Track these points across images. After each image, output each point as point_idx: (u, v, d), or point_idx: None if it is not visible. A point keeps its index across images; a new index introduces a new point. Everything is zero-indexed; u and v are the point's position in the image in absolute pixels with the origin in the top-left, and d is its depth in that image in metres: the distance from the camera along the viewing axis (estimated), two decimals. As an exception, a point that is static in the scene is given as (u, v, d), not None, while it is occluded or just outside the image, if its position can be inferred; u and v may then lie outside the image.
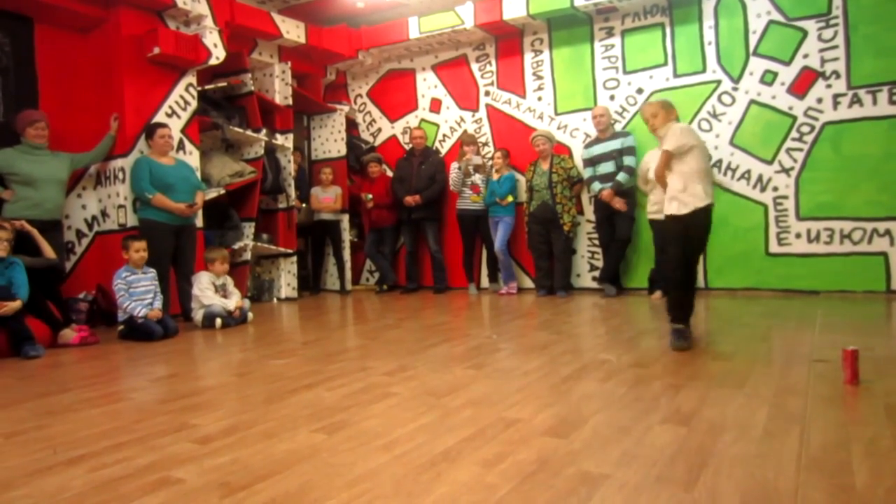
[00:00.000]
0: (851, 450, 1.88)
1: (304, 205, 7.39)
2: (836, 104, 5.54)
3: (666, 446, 1.97)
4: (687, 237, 3.55)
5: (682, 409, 2.35)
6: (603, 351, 3.53)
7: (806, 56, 5.64)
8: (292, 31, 6.90)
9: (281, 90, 7.01)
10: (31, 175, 4.88)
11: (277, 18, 6.76)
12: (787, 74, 5.72)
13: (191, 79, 5.92)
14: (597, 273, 6.54)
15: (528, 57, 6.99)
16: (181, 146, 5.78)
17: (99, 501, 1.72)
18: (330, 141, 7.85)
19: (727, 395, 2.51)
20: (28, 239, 4.65)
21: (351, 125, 8.05)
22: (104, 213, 5.60)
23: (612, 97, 6.53)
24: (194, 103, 5.95)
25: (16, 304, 4.14)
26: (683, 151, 3.55)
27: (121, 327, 4.75)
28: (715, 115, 6.03)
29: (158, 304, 4.83)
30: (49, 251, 4.70)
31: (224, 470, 1.92)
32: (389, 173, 7.66)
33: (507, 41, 7.10)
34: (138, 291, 4.78)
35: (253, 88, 6.66)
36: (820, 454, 1.86)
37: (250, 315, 5.37)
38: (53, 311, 4.57)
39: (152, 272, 4.94)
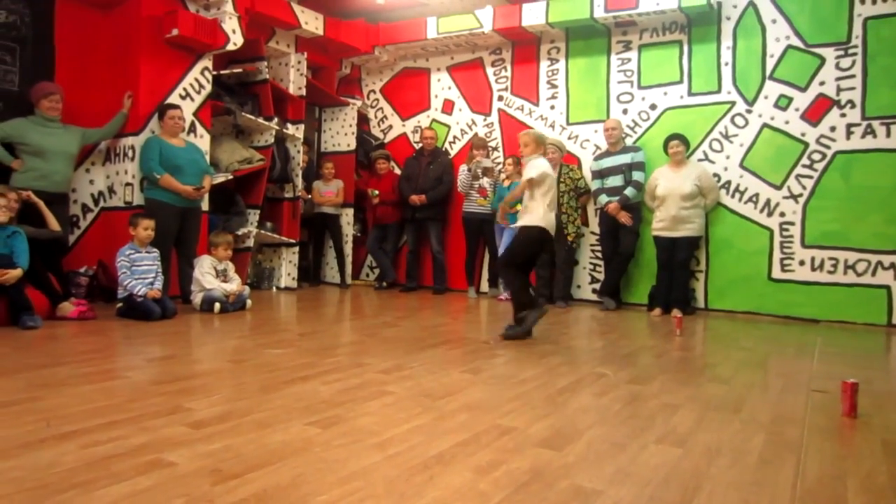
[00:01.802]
0: (847, 484, 1.87)
1: (309, 196, 7.39)
2: (849, 133, 5.54)
3: (660, 466, 1.96)
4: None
5: (677, 430, 2.34)
6: (600, 365, 3.52)
7: (822, 83, 5.64)
8: (311, 22, 6.90)
9: (295, 80, 7.02)
10: (41, 147, 4.88)
11: (297, 9, 6.76)
12: (802, 100, 5.72)
13: (207, 63, 5.92)
14: (597, 286, 6.54)
15: (544, 65, 6.99)
16: (192, 129, 5.78)
17: (90, 479, 1.72)
18: (340, 134, 7.85)
19: (723, 419, 2.50)
20: (34, 210, 4.65)
21: (362, 120, 8.05)
22: (111, 190, 5.60)
23: (625, 111, 6.53)
24: (208, 87, 5.95)
25: (16, 273, 4.13)
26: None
27: (119, 304, 4.75)
28: (727, 136, 6.03)
29: (159, 284, 4.83)
30: (53, 223, 4.70)
31: (217, 456, 1.92)
32: (397, 171, 7.66)
33: (523, 47, 7.10)
34: (140, 270, 4.77)
35: (268, 76, 6.66)
36: (815, 486, 1.85)
37: (249, 302, 5.36)
38: (54, 284, 4.56)
39: (155, 252, 4.94)
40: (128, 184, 5.47)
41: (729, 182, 6.01)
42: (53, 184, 4.95)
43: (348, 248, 7.65)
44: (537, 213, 4.34)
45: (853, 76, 5.52)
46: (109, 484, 1.69)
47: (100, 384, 2.76)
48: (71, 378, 2.85)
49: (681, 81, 6.26)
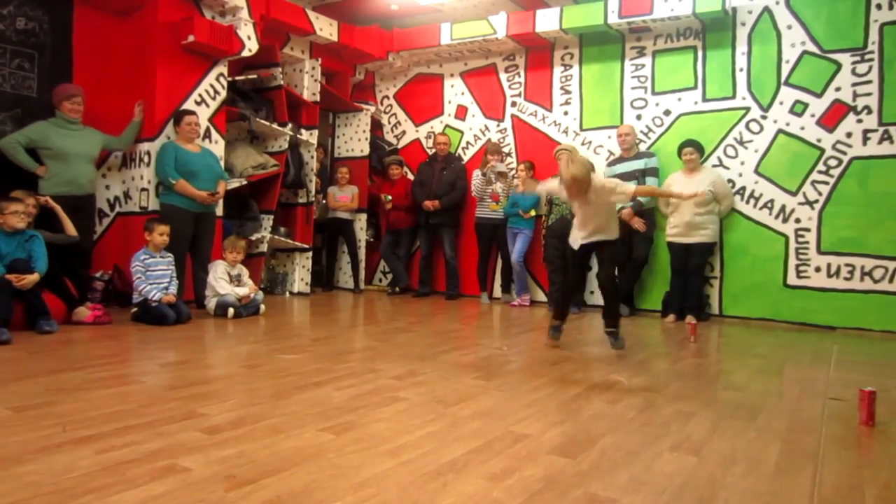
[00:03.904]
0: (865, 493, 1.85)
1: (323, 200, 7.42)
2: (865, 140, 5.48)
3: (675, 475, 1.95)
4: None
5: (692, 438, 2.32)
6: (613, 371, 3.51)
7: (838, 89, 5.59)
8: (325, 28, 6.94)
9: (309, 86, 7.05)
10: (63, 149, 4.94)
11: (312, 15, 6.80)
12: (818, 106, 5.67)
13: (222, 69, 5.97)
14: (611, 291, 6.50)
15: (558, 71, 6.98)
16: (207, 134, 5.83)
17: (106, 484, 1.73)
18: (354, 140, 7.88)
19: (739, 427, 2.48)
20: (52, 214, 4.71)
21: (375, 125, 8.07)
22: (127, 195, 5.65)
23: (638, 117, 6.50)
24: (224, 93, 6.00)
25: (33, 277, 4.16)
26: None
27: (134, 309, 4.79)
28: (741, 142, 5.99)
29: (173, 289, 4.86)
30: (71, 229, 4.74)
31: (231, 462, 1.93)
32: (410, 176, 7.67)
33: (537, 53, 7.10)
34: (155, 275, 4.81)
35: (282, 82, 6.70)
36: (833, 496, 1.83)
37: (262, 307, 5.38)
38: (70, 288, 4.60)
39: (170, 257, 4.98)
40: (143, 189, 5.52)
41: (744, 188, 5.96)
42: (79, 187, 5.02)
43: (362, 254, 7.67)
44: None
45: (870, 82, 5.47)
46: (124, 489, 1.70)
47: (115, 389, 2.78)
48: (86, 383, 2.87)
49: (695, 87, 6.23)
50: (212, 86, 5.89)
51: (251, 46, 5.94)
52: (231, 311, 5.06)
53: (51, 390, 2.71)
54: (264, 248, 6.59)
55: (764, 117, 5.90)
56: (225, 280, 5.20)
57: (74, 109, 5.06)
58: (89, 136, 5.16)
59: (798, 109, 5.76)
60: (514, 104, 7.27)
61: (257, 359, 3.59)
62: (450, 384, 3.06)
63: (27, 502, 1.61)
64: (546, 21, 6.56)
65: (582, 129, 6.82)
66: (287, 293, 7.01)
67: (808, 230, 5.70)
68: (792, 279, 5.75)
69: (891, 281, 5.34)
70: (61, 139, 4.95)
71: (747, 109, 5.98)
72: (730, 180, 5.99)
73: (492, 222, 6.93)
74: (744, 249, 5.95)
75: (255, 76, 6.61)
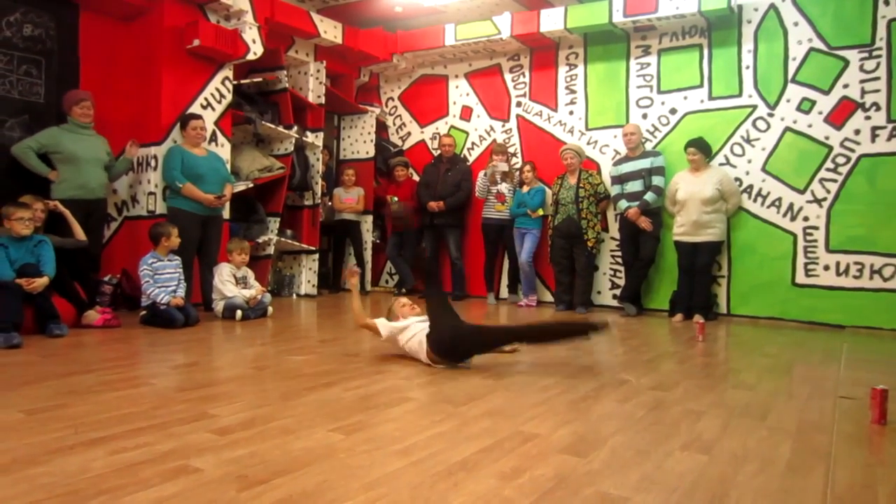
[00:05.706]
0: (878, 492, 1.84)
1: (329, 202, 7.44)
2: (874, 137, 5.46)
3: (686, 473, 1.94)
4: None
5: (702, 437, 2.31)
6: (622, 371, 3.50)
7: (846, 86, 5.57)
8: (330, 31, 6.96)
9: (314, 89, 7.07)
10: (75, 153, 4.98)
11: (316, 18, 6.82)
12: (826, 103, 5.65)
13: (227, 72, 5.99)
14: (618, 291, 6.50)
15: (563, 70, 6.98)
16: (213, 138, 5.85)
17: (119, 485, 1.73)
18: (359, 142, 7.89)
19: (749, 426, 2.47)
20: (62, 219, 4.73)
21: (380, 127, 8.08)
22: (134, 199, 5.68)
23: (644, 116, 6.49)
24: (229, 97, 6.02)
25: (43, 281, 4.18)
26: None
27: (143, 312, 4.80)
28: (748, 141, 5.97)
29: (181, 292, 4.88)
30: (79, 233, 4.76)
31: (242, 463, 1.93)
32: (416, 177, 7.68)
33: (542, 53, 7.10)
34: (163, 278, 4.83)
35: (287, 85, 6.72)
36: (845, 494, 1.82)
37: (270, 309, 5.39)
38: (79, 292, 4.63)
39: (177, 260, 4.99)
40: (150, 193, 5.55)
41: (751, 186, 5.95)
42: (90, 191, 5.06)
43: (368, 255, 7.68)
44: None
45: (877, 78, 5.44)
46: (137, 490, 1.70)
47: (125, 391, 2.79)
48: (97, 385, 2.88)
49: (701, 85, 6.22)
50: (217, 90, 5.91)
51: (256, 50, 5.97)
52: (239, 313, 5.07)
53: (62, 393, 2.72)
54: (271, 250, 6.61)
55: (771, 115, 5.89)
56: (231, 283, 5.21)
57: (85, 114, 5.10)
58: (99, 141, 5.20)
59: (805, 107, 5.74)
60: (519, 104, 7.27)
61: (266, 360, 3.60)
62: (458, 384, 3.06)
63: (43, 503, 1.62)
64: (550, 21, 6.56)
65: (587, 129, 6.82)
66: (294, 295, 7.03)
67: (816, 228, 5.67)
68: (800, 278, 5.73)
69: (900, 278, 5.32)
70: (73, 143, 4.99)
71: (754, 107, 5.96)
72: (737, 179, 5.97)
73: (498, 223, 6.93)
74: (751, 248, 5.93)
75: (260, 79, 6.63)
